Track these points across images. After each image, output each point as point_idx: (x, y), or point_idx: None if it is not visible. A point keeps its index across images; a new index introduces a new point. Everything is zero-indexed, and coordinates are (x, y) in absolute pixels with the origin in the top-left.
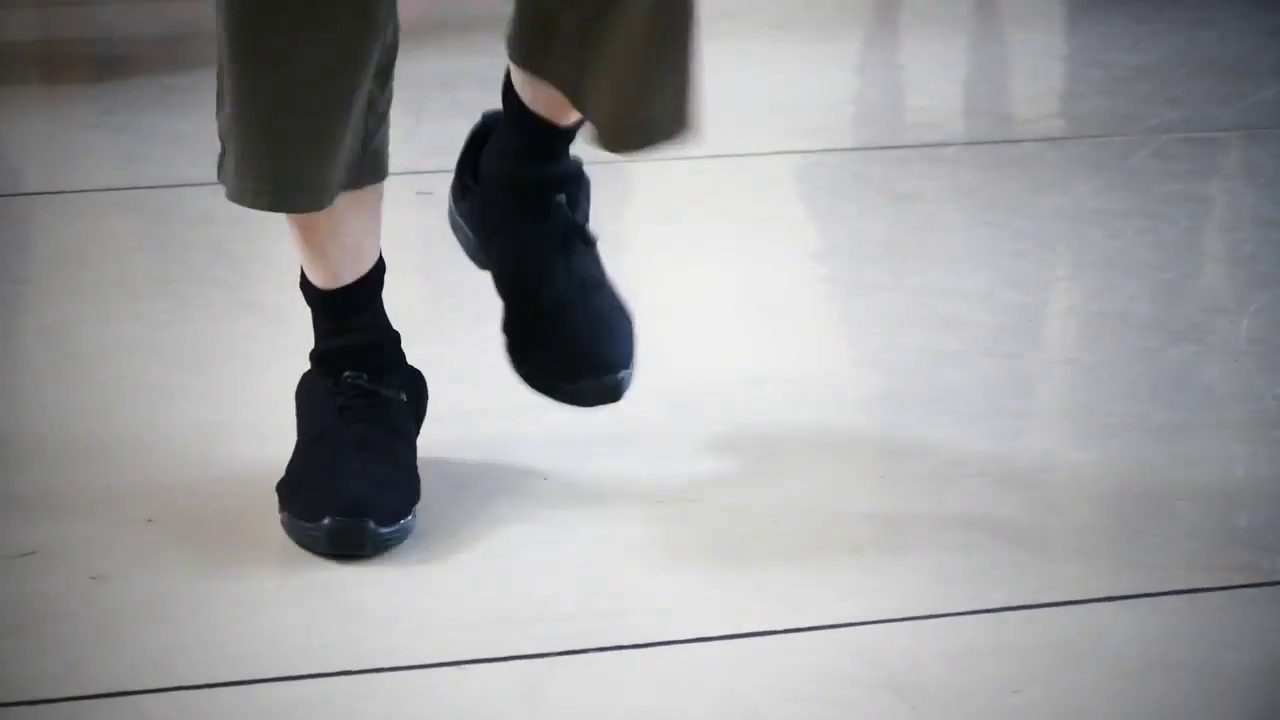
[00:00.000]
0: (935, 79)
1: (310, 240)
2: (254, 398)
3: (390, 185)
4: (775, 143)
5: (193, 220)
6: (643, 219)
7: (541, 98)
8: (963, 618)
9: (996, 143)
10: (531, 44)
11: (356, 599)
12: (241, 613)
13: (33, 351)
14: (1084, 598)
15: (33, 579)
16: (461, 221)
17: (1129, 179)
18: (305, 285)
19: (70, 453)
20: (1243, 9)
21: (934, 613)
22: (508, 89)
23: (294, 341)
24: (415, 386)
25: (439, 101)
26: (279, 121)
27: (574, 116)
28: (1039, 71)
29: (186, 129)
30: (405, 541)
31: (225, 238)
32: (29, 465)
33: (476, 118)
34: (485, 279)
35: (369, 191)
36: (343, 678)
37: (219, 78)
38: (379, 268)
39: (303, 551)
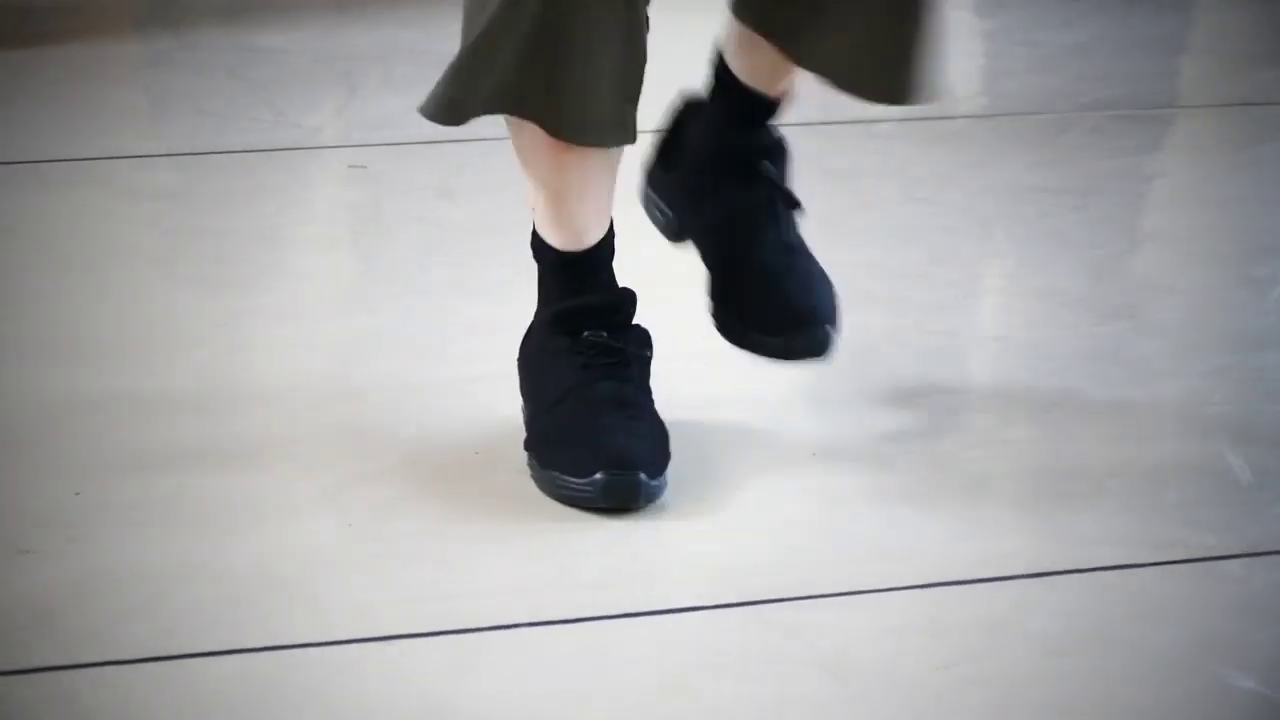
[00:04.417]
0: None
1: (562, 200)
2: (191, 370)
3: (321, 159)
4: None
5: (144, 195)
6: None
7: (756, 66)
8: (893, 593)
9: (929, 119)
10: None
11: (283, 574)
12: (172, 587)
13: None
14: (1014, 574)
15: None
16: (657, 197)
17: (1062, 156)
18: (541, 249)
19: None
20: None
21: (864, 589)
22: (718, 63)
23: (224, 315)
24: (650, 343)
25: (371, 76)
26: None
27: (783, 88)
28: (970, 50)
29: (133, 100)
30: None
31: (177, 212)
32: None
33: (409, 92)
34: (412, 252)
35: (617, 152)
36: (268, 653)
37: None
38: (612, 230)
39: (232, 525)
